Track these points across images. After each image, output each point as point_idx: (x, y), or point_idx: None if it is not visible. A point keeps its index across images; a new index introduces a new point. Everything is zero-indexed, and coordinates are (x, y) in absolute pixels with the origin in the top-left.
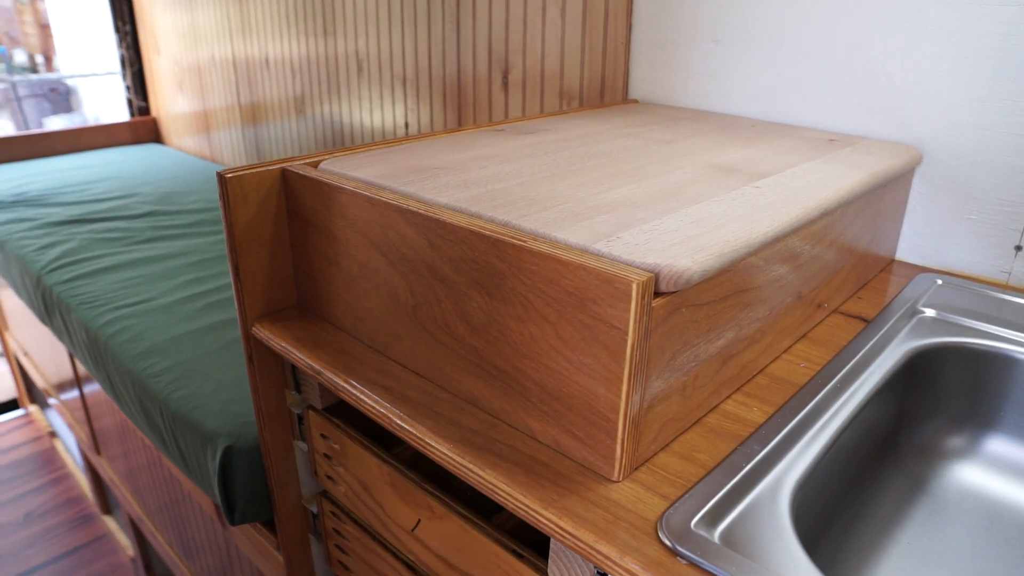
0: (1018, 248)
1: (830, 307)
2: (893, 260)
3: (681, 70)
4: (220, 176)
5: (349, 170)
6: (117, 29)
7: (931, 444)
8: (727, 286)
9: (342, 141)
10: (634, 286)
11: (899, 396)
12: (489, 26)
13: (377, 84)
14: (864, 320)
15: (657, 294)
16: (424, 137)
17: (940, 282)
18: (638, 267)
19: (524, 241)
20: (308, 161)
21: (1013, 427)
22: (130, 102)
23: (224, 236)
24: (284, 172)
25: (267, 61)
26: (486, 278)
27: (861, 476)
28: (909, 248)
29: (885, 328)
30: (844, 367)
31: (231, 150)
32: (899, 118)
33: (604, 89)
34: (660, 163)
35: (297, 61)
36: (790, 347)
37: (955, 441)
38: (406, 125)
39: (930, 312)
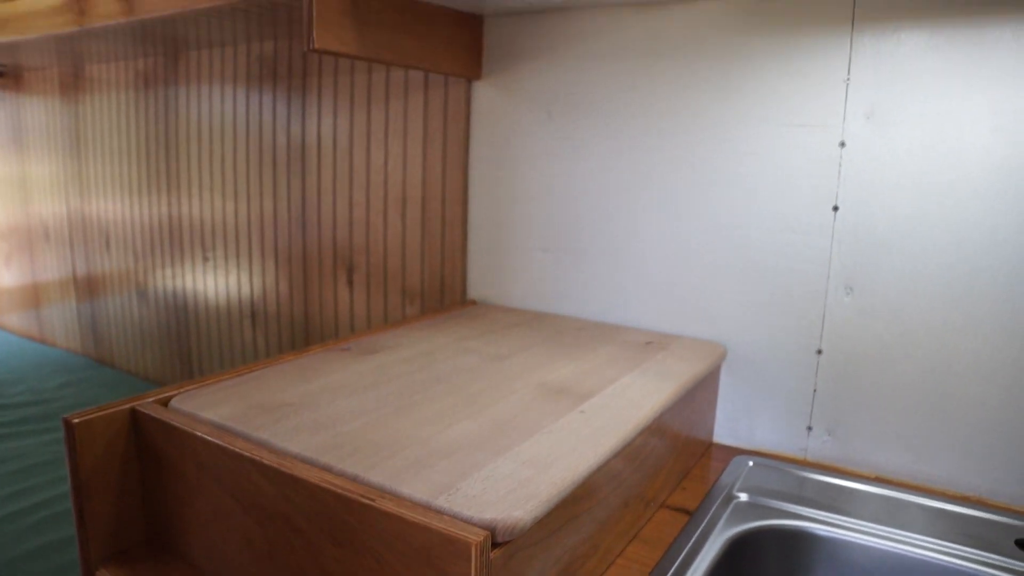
0: (809, 428)
1: (656, 503)
2: (711, 444)
3: (514, 275)
4: (67, 422)
5: (201, 410)
6: None
7: None
8: (558, 519)
9: (186, 328)
10: (472, 547)
11: None
12: (334, 225)
13: (223, 271)
14: (687, 512)
15: (495, 544)
16: (274, 362)
17: (752, 464)
18: (476, 524)
19: (372, 500)
20: (158, 398)
21: None
22: None
23: (65, 465)
24: (134, 412)
25: (107, 233)
26: (340, 531)
27: None
28: (724, 431)
29: (706, 519)
30: (672, 566)
31: (64, 331)
32: (705, 318)
33: (444, 289)
34: (496, 387)
35: (139, 236)
36: (623, 550)
37: None
38: (252, 315)
39: (744, 496)
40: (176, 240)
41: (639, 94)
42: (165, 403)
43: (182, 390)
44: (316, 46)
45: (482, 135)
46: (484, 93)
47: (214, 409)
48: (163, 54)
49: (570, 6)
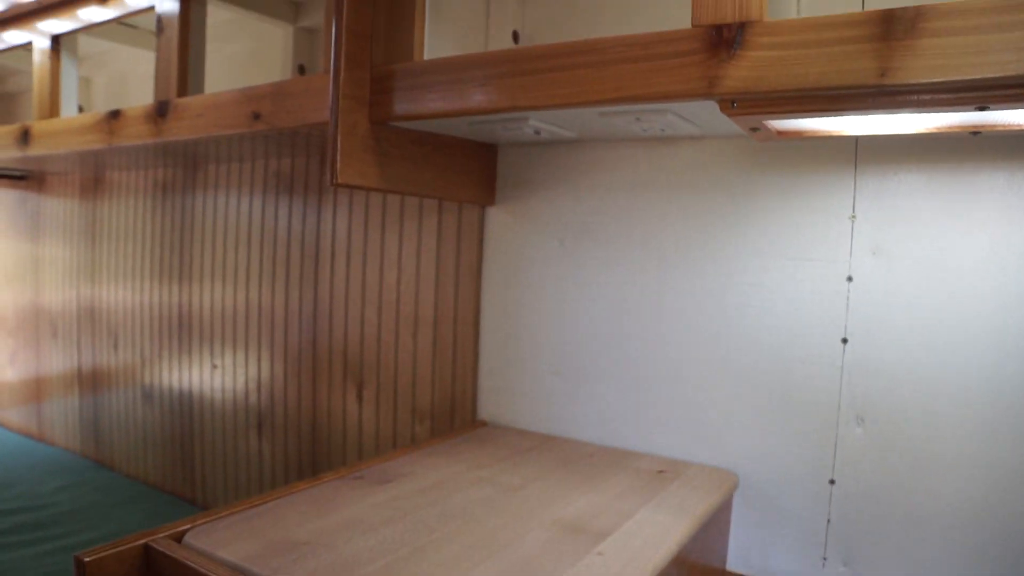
0: (824, 559)
1: None
2: (725, 571)
3: (526, 397)
4: (78, 561)
5: (216, 547)
6: None
7: None
8: None
9: (190, 433)
10: None
11: None
12: (345, 340)
13: (231, 376)
14: None
15: None
16: (288, 492)
17: None
18: None
19: None
20: (171, 533)
21: None
22: None
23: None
24: (147, 549)
25: (116, 329)
26: None
27: None
28: (737, 559)
29: None
30: None
31: (64, 429)
32: (717, 445)
33: (455, 409)
34: (511, 524)
35: (148, 334)
36: None
37: None
38: (259, 423)
39: None
40: (185, 342)
41: (649, 225)
42: (178, 538)
43: (195, 524)
44: (340, 181)
45: (495, 259)
46: (498, 219)
47: (229, 547)
48: (183, 166)
49: (581, 139)
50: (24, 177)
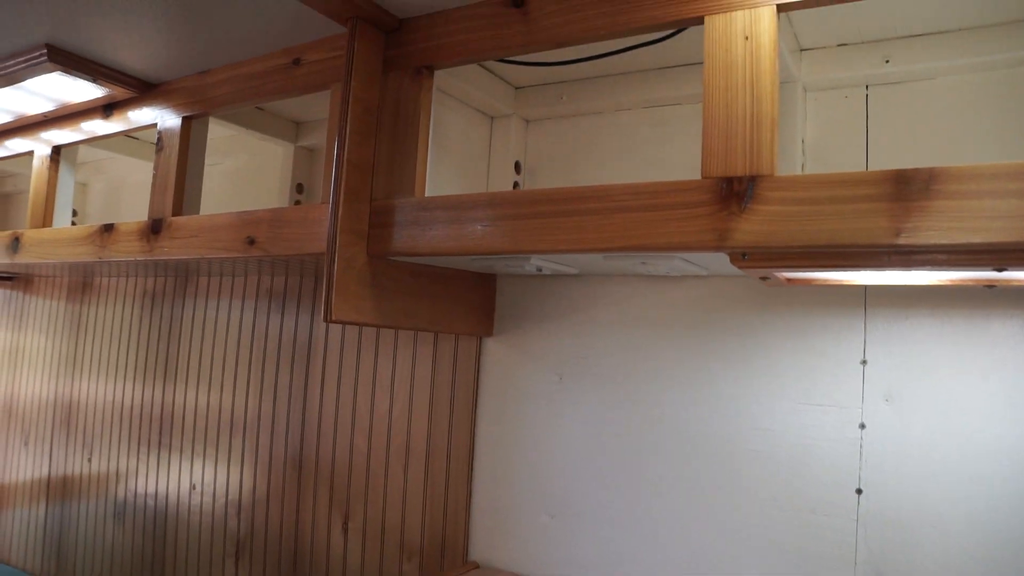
0: None
1: None
2: None
3: (519, 538)
4: None
5: None
6: None
7: None
8: None
9: (162, 559)
10: None
11: None
12: (332, 467)
13: (210, 505)
14: None
15: None
16: None
17: None
18: None
19: None
20: None
21: None
22: None
23: None
24: None
25: (92, 436)
26: None
27: None
28: None
29: None
30: None
31: (24, 546)
32: None
33: (445, 547)
34: None
35: (125, 445)
36: None
37: None
38: (236, 551)
39: None
40: (164, 456)
41: (651, 363)
42: None
43: None
44: (334, 318)
45: (491, 392)
46: (495, 350)
47: None
48: (174, 276)
49: (583, 273)
50: (11, 278)
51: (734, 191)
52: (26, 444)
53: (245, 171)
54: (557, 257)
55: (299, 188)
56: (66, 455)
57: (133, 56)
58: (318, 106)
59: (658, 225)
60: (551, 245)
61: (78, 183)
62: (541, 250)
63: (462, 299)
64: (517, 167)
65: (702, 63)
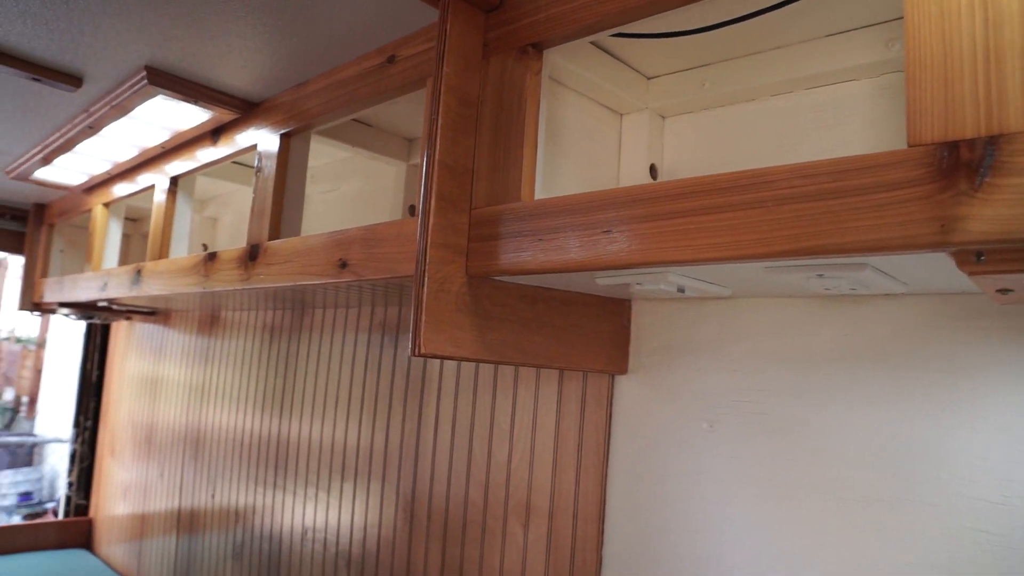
0: None
1: None
2: None
3: None
4: None
5: None
6: (76, 424)
7: None
8: None
9: None
10: None
11: None
12: (444, 526)
13: (321, 558)
14: None
15: None
16: None
17: None
18: None
19: None
20: None
21: None
22: (69, 499)
23: None
24: None
25: (215, 479)
26: None
27: None
28: None
29: None
30: None
31: (160, 569)
32: None
33: None
34: None
35: (244, 489)
36: None
37: None
38: None
39: None
40: (279, 499)
41: (828, 410)
42: None
43: None
44: (424, 351)
45: (625, 441)
46: (630, 390)
47: None
48: (291, 309)
49: (737, 295)
50: (153, 313)
51: (962, 161)
52: (161, 476)
53: (360, 196)
54: (702, 270)
55: (411, 210)
56: (194, 489)
57: (231, 73)
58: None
59: (845, 217)
60: (694, 253)
61: (208, 218)
62: (680, 260)
63: (588, 330)
64: (652, 171)
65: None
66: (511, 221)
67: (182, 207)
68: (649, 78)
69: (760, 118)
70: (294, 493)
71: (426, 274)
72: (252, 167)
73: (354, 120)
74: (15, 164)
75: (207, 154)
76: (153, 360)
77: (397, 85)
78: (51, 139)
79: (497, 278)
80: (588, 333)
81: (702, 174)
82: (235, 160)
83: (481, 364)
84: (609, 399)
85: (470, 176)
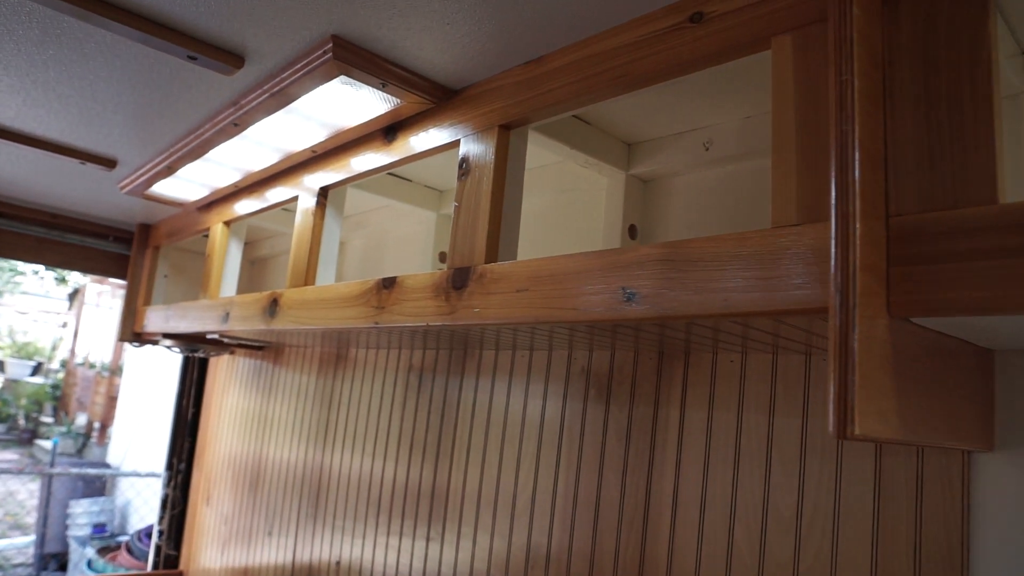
0: None
1: None
2: None
3: None
4: None
5: None
6: (169, 466)
7: None
8: None
9: None
10: None
11: None
12: None
13: None
14: None
15: None
16: None
17: None
18: None
19: None
20: None
21: None
22: (159, 548)
23: None
24: None
25: (338, 527)
26: None
27: None
28: None
29: None
30: None
31: None
32: None
33: None
34: None
35: (372, 558)
36: None
37: None
38: None
39: None
40: (433, 570)
41: None
42: None
43: None
44: (858, 432)
45: (995, 548)
46: (998, 475)
47: None
48: (448, 350)
49: None
50: (262, 347)
51: None
52: (270, 534)
53: (552, 214)
54: None
55: (631, 231)
56: (312, 543)
57: (435, 49)
58: (656, 120)
59: None
60: None
61: None
62: None
63: (966, 391)
64: None
65: None
66: (967, 235)
67: (331, 225)
68: None
69: None
70: (453, 545)
71: (856, 311)
72: (403, 179)
73: (573, 115)
74: (131, 177)
75: (371, 159)
76: (263, 398)
77: (711, 53)
78: (183, 143)
79: (918, 320)
80: (964, 395)
81: None
82: (390, 171)
83: (721, 422)
84: (964, 486)
85: (883, 167)
